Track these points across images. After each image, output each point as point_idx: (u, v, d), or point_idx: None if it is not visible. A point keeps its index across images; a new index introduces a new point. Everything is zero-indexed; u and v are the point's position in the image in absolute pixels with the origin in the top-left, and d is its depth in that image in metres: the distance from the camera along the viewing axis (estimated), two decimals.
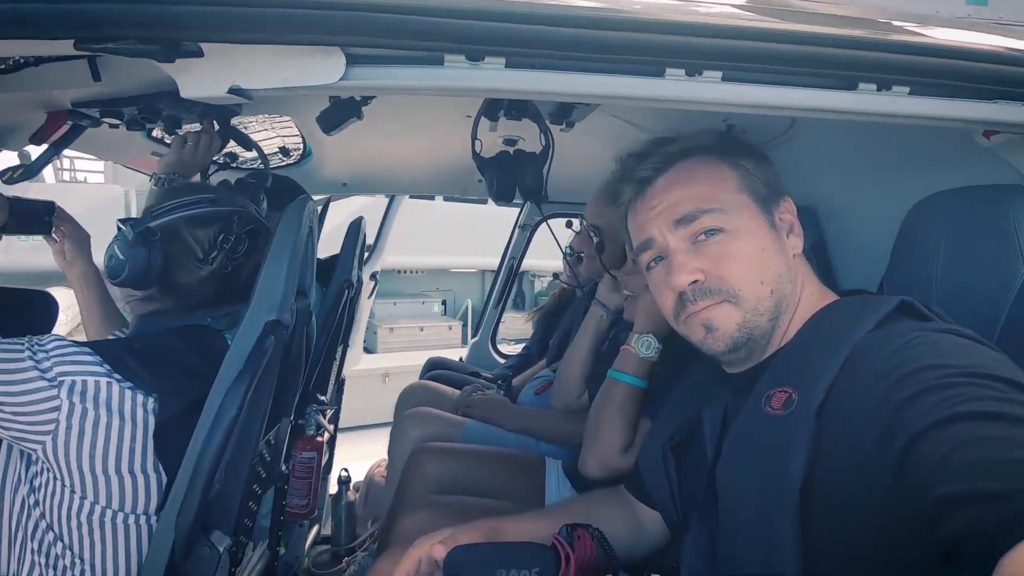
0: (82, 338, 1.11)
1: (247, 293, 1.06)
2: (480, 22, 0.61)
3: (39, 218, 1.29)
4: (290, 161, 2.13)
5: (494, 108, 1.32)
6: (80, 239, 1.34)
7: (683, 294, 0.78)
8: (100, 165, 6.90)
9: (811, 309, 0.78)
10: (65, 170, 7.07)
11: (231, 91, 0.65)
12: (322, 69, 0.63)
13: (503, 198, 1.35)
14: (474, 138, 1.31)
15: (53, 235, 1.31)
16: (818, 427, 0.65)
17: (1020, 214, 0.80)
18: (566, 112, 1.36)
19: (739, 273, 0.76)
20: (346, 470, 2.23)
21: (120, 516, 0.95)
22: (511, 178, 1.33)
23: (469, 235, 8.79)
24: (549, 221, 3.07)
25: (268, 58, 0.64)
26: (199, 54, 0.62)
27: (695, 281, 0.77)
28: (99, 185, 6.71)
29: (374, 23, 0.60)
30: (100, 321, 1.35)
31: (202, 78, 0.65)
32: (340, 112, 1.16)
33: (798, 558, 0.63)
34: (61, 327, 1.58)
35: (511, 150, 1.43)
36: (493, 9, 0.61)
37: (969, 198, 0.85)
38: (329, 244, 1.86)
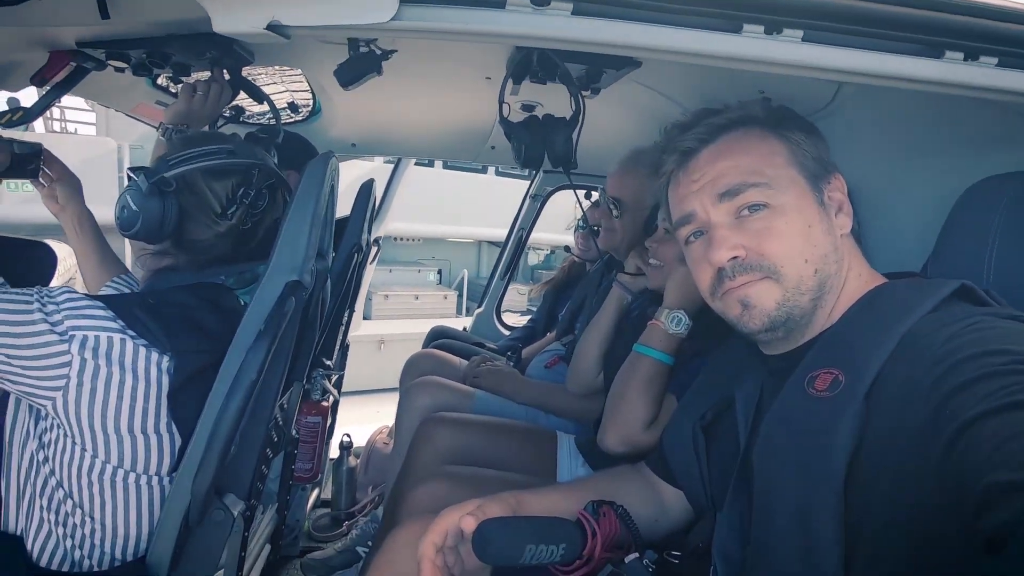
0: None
1: (262, 251, 1.01)
2: None
3: (26, 162, 1.22)
4: (299, 118, 2.05)
5: (522, 69, 1.26)
6: (72, 182, 1.29)
7: (722, 270, 0.76)
8: (92, 116, 6.68)
9: (859, 291, 0.76)
10: (55, 120, 6.85)
11: (270, 27, 0.60)
12: (372, 6, 0.57)
13: (530, 165, 1.29)
14: (502, 101, 1.25)
15: (40, 179, 1.25)
16: (866, 410, 0.63)
17: None
18: (594, 77, 1.30)
19: (781, 250, 0.73)
20: (348, 435, 2.22)
21: (132, 476, 0.92)
22: (540, 144, 1.27)
23: (467, 205, 8.71)
24: (558, 193, 3.04)
25: None
26: None
27: (735, 257, 0.74)
28: (91, 137, 6.51)
29: None
30: (98, 267, 1.31)
31: (238, 11, 0.59)
32: (360, 65, 1.09)
33: (838, 542, 0.62)
34: (54, 282, 1.53)
35: (539, 115, 1.36)
36: None
37: None
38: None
